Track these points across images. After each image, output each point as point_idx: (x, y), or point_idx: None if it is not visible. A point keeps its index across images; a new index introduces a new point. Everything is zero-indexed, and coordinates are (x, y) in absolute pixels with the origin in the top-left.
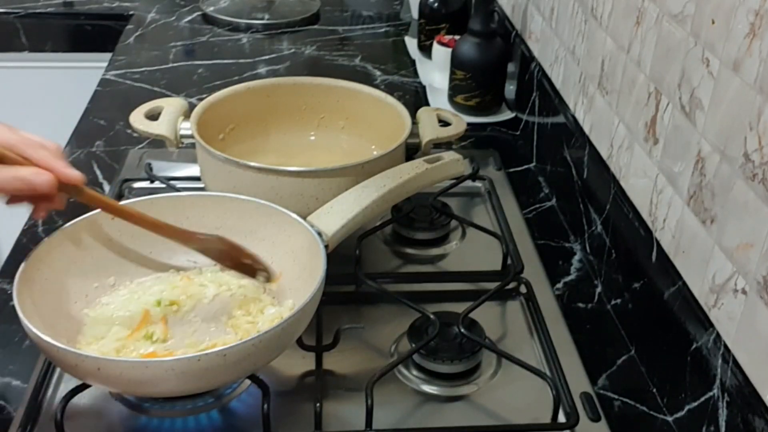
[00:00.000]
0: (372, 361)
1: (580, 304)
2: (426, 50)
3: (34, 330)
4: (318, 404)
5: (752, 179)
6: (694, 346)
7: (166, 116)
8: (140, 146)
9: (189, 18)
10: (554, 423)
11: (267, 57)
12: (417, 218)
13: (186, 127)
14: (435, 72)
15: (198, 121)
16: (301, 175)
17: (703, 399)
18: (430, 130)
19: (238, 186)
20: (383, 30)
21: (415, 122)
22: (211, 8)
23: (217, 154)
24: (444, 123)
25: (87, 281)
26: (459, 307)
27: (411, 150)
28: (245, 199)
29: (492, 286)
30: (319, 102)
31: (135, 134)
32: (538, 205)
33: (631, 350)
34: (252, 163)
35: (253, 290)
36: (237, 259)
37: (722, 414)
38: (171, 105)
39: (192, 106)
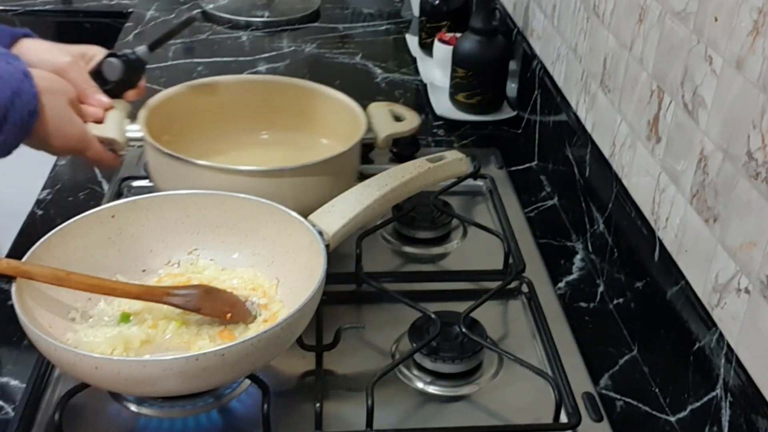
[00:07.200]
0: (373, 361)
1: (582, 304)
2: (427, 48)
3: (33, 329)
4: (318, 404)
5: (755, 178)
6: (696, 345)
7: (111, 119)
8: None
9: (188, 15)
10: (556, 423)
11: (267, 55)
12: (418, 217)
13: (133, 129)
14: (436, 70)
15: (146, 123)
16: (255, 175)
17: (706, 399)
18: (384, 126)
19: (193, 186)
20: (384, 28)
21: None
22: (211, 6)
23: (165, 151)
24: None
25: None
26: (460, 307)
27: (367, 147)
28: (246, 197)
29: (493, 285)
30: (272, 100)
31: None
32: (539, 204)
33: (633, 350)
34: (202, 162)
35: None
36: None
37: (725, 414)
38: (114, 107)
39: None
